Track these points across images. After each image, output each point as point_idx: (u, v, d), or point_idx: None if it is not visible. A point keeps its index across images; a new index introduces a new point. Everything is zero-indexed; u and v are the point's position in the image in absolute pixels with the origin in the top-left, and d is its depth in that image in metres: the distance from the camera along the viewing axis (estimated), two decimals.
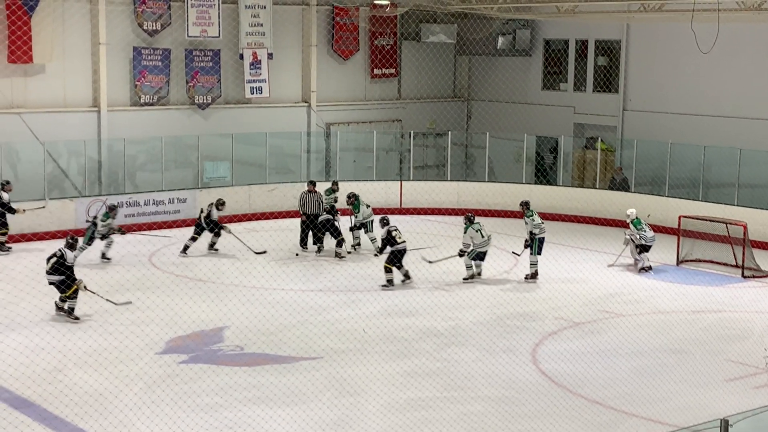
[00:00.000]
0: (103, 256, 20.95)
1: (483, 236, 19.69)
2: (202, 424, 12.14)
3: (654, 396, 13.52)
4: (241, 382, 13.71)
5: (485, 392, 13.61)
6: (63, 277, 16.38)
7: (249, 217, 25.66)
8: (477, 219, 20.14)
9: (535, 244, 19.90)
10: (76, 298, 16.43)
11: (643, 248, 20.81)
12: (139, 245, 22.41)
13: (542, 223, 20.12)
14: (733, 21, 23.52)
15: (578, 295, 18.75)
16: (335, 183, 23.33)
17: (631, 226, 20.87)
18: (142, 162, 25.97)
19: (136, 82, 26.02)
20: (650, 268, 20.75)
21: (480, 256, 19.77)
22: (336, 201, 22.66)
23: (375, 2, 28.82)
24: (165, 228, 24.15)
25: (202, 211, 22.10)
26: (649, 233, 20.89)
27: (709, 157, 24.77)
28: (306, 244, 22.27)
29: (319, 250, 21.95)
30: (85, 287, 16.46)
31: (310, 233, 22.14)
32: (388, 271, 19.13)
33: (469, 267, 19.77)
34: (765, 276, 20.60)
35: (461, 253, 19.67)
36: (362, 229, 22.48)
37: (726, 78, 25.97)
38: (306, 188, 22.72)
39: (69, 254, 16.55)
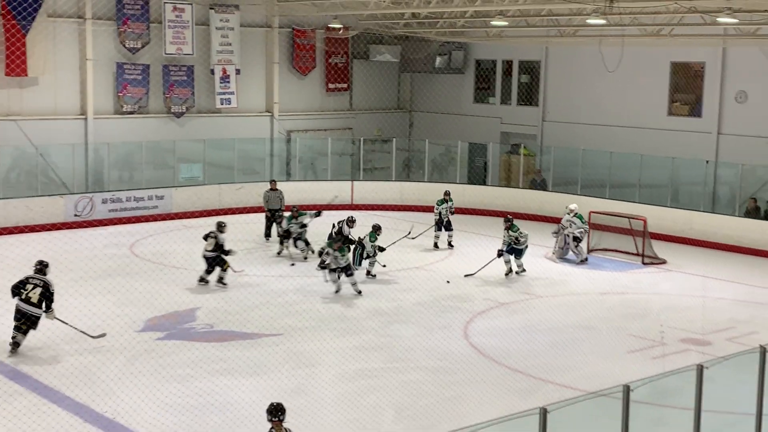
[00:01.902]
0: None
1: (521, 236, 19.06)
2: (176, 392, 12.05)
3: (567, 365, 13.63)
4: (211, 356, 13.62)
5: (423, 363, 13.64)
6: (41, 312, 13.46)
7: (219, 212, 25.41)
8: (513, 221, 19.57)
9: (524, 250, 19.18)
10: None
11: (578, 240, 20.84)
12: (119, 238, 22.15)
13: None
14: (635, 45, 23.81)
15: (504, 279, 18.88)
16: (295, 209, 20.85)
17: (576, 219, 20.89)
18: (124, 163, 25.67)
19: (119, 93, 25.72)
20: (587, 260, 20.83)
21: (516, 253, 19.09)
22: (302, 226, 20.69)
23: (330, 26, 28.74)
24: (145, 221, 23.91)
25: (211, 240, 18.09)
26: (585, 226, 20.98)
27: (615, 162, 25.00)
28: (269, 235, 22.20)
29: (279, 253, 21.09)
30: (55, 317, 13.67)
31: (274, 226, 22.08)
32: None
33: (507, 262, 19.12)
34: (662, 263, 20.85)
35: (500, 253, 19.04)
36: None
37: (629, 93, 26.25)
38: (269, 187, 22.71)
39: (51, 282, 13.77)
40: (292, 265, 19.78)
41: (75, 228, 22.92)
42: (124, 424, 11.01)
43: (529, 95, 29.23)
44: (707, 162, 24.10)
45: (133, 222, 23.72)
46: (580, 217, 20.83)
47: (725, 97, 24.58)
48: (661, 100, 25.87)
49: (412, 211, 26.67)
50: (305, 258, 20.24)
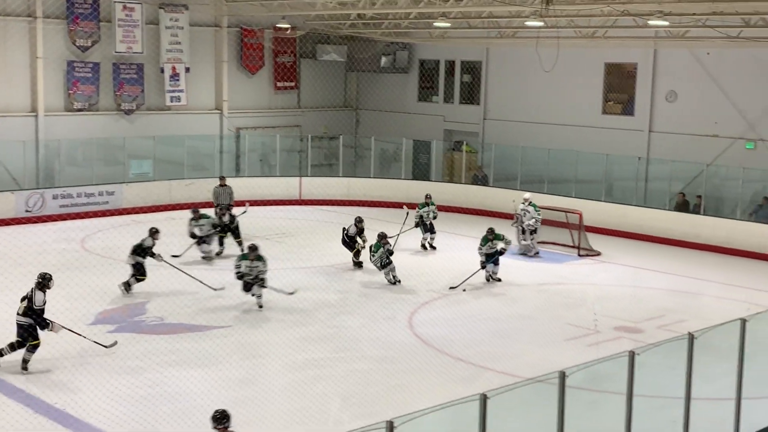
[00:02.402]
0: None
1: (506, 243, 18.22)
2: (127, 384, 11.91)
3: (507, 354, 13.75)
4: (161, 348, 13.47)
5: (369, 353, 13.66)
6: (30, 321, 12.30)
7: (169, 208, 25.19)
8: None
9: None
10: (34, 352, 12.38)
11: (534, 231, 20.90)
12: (70, 233, 21.79)
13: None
14: (571, 46, 24.07)
15: (447, 270, 18.94)
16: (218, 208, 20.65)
17: (530, 208, 20.95)
18: (75, 160, 25.25)
19: (70, 91, 25.29)
20: (538, 253, 20.92)
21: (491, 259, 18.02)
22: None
23: (277, 26, 28.56)
24: (96, 217, 23.56)
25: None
26: (539, 215, 21.00)
27: (552, 158, 25.27)
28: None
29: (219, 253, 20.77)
30: (61, 327, 12.64)
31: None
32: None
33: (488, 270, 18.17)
34: (596, 255, 21.12)
35: (483, 265, 18.02)
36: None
37: (565, 93, 26.53)
38: (218, 183, 22.48)
39: (38, 296, 12.36)
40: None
41: (26, 223, 22.47)
42: (75, 415, 10.84)
43: (470, 94, 29.39)
44: (639, 158, 24.48)
45: (84, 217, 23.35)
46: (534, 206, 21.00)
47: (656, 97, 24.98)
48: (596, 99, 26.20)
49: (359, 206, 26.64)
50: (208, 259, 19.24)
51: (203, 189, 25.44)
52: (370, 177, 27.87)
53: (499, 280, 18.18)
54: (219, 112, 28.64)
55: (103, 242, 21.07)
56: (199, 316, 15.16)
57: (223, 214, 19.94)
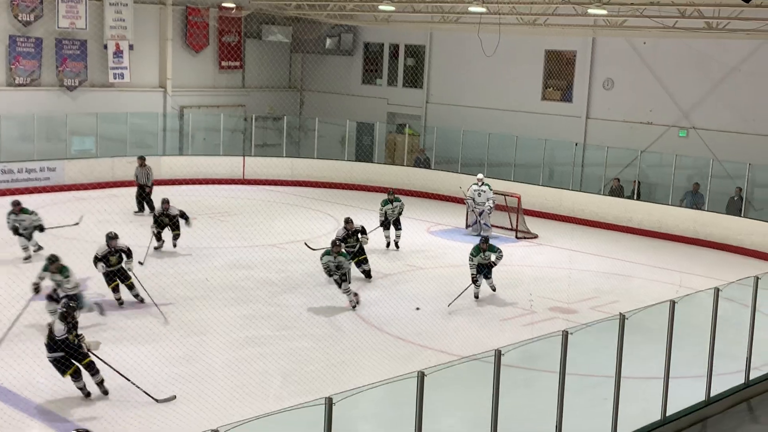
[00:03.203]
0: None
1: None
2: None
3: (445, 332, 13.87)
4: (102, 324, 13.29)
5: (310, 331, 13.67)
6: (60, 354, 10.65)
7: (111, 185, 24.82)
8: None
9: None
10: (79, 378, 10.76)
11: (490, 212, 21.05)
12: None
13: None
14: (513, 33, 24.25)
15: (388, 251, 19.01)
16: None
17: (485, 188, 21.06)
18: (16, 135, 24.67)
19: (11, 66, 24.70)
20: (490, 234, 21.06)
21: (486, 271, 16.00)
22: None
23: (223, 5, 28.23)
24: (37, 192, 23.07)
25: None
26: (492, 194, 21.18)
27: (492, 142, 25.46)
28: (142, 209, 21.89)
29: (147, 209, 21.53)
30: (97, 346, 10.97)
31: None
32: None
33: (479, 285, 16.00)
34: (533, 237, 21.38)
35: (474, 279, 15.80)
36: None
37: (507, 78, 26.73)
38: (137, 163, 22.21)
39: (57, 326, 10.70)
40: (141, 263, 16.49)
41: None
42: (16, 392, 10.67)
43: (414, 78, 29.43)
44: (576, 144, 24.81)
45: (25, 193, 22.85)
46: (488, 186, 21.17)
47: (594, 84, 25.32)
48: (536, 85, 26.45)
49: (302, 186, 26.60)
50: (27, 257, 17.19)
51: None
52: (313, 158, 27.77)
53: (494, 289, 16.09)
54: (163, 90, 28.25)
55: (45, 218, 20.63)
56: (141, 292, 14.98)
57: (166, 209, 17.90)
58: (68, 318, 10.68)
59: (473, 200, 21.27)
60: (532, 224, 21.81)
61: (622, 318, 9.21)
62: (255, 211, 22.89)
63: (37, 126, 24.67)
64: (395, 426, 10.05)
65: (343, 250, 14.96)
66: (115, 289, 14.48)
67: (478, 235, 21.01)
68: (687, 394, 10.39)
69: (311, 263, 17.73)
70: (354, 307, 14.74)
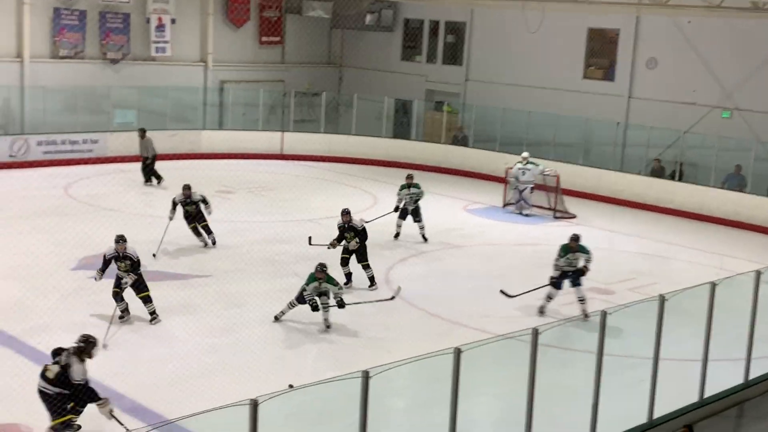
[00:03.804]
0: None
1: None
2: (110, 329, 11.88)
3: (481, 311, 13.83)
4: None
5: (346, 307, 13.67)
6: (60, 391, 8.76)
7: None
8: None
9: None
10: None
11: (532, 189, 20.98)
12: (53, 180, 21.63)
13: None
14: (556, 10, 23.97)
15: (395, 243, 18.67)
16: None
17: (530, 166, 20.98)
18: (60, 108, 24.95)
19: (56, 38, 24.95)
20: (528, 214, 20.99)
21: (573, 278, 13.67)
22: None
23: None
24: (79, 164, 23.33)
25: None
26: (541, 167, 21.15)
27: (532, 121, 25.23)
28: (149, 180, 22.03)
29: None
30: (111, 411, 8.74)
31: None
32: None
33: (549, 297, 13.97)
34: (572, 217, 21.22)
35: (553, 282, 13.73)
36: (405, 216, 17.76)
37: (548, 56, 26.43)
38: (138, 136, 22.34)
39: (77, 368, 8.77)
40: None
41: (9, 168, 22.29)
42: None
43: (454, 55, 29.23)
44: (618, 124, 24.53)
45: (68, 164, 23.14)
46: (534, 164, 21.08)
47: (637, 63, 24.97)
48: (578, 64, 26.15)
49: (339, 162, 26.60)
50: None
51: (186, 140, 25.49)
52: (351, 134, 27.74)
53: (586, 315, 12.96)
54: (203, 64, 28.35)
55: (87, 190, 20.94)
56: (181, 265, 15.14)
57: (188, 196, 16.26)
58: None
59: (517, 178, 21.16)
60: (570, 204, 21.64)
61: (662, 299, 9.12)
62: (292, 186, 23.00)
63: (80, 98, 24.93)
64: (429, 403, 10.06)
65: (329, 274, 12.50)
66: (118, 298, 12.34)
67: (519, 213, 21.00)
68: (725, 377, 10.29)
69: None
70: (328, 327, 12.48)
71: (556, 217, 21.08)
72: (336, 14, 30.62)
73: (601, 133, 24.78)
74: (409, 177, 18.23)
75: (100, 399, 8.72)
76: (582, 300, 13.43)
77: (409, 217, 17.95)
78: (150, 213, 18.57)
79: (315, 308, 12.46)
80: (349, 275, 14.67)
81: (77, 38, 25.30)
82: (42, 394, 8.76)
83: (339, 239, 14.71)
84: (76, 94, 24.83)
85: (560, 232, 19.79)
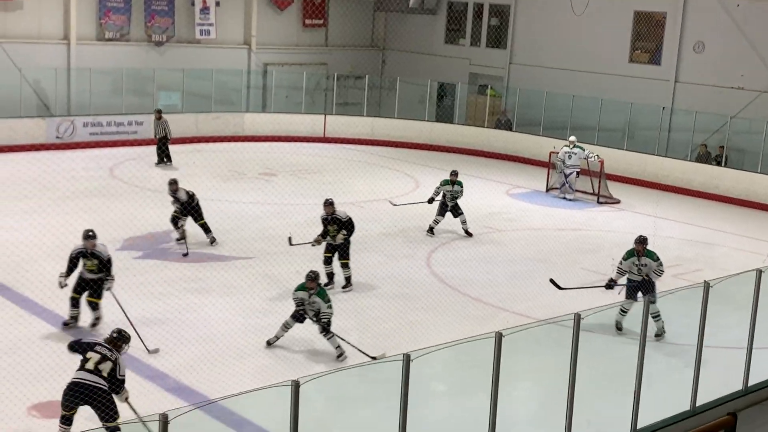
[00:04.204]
0: None
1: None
2: (152, 308, 12.05)
3: (523, 295, 13.77)
4: (186, 276, 13.59)
5: (387, 289, 13.72)
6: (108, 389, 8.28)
7: (195, 140, 25.21)
8: None
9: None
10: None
11: (578, 174, 20.87)
12: (99, 161, 21.90)
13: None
14: None
15: (467, 213, 18.86)
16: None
17: (577, 150, 20.84)
18: (106, 89, 25.22)
19: (102, 21, 25.20)
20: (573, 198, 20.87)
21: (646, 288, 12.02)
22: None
23: None
24: (124, 146, 23.58)
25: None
26: (586, 152, 20.98)
27: (576, 105, 24.98)
28: (162, 160, 22.04)
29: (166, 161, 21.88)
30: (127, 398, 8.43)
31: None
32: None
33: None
34: (616, 202, 21.00)
35: (610, 285, 12.39)
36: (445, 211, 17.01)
37: (593, 40, 26.11)
38: (154, 116, 22.39)
39: (122, 363, 8.52)
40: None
41: (56, 149, 22.61)
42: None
43: (497, 38, 28.99)
44: (663, 108, 24.18)
45: (113, 146, 23.40)
46: (581, 148, 20.91)
47: (684, 47, 24.56)
48: (623, 47, 25.78)
49: (382, 145, 26.58)
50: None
51: (229, 123, 25.64)
52: (394, 117, 27.70)
53: (660, 333, 11.71)
54: (247, 47, 28.46)
55: (131, 171, 21.18)
56: (223, 246, 15.25)
57: (175, 190, 15.08)
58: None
59: (563, 162, 20.99)
60: (614, 189, 21.41)
61: (707, 286, 8.98)
62: (335, 169, 23.03)
63: (125, 80, 25.18)
64: (468, 386, 10.04)
65: (323, 288, 11.25)
66: (74, 303, 11.34)
67: (563, 197, 20.84)
68: None
69: (389, 223, 17.78)
70: (339, 357, 10.94)
71: (599, 202, 20.88)
72: None
73: (646, 117, 24.45)
74: (454, 174, 17.03)
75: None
76: (656, 317, 11.62)
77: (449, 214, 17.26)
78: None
79: (300, 318, 11.06)
80: (331, 275, 13.54)
81: (123, 21, 25.52)
82: (93, 390, 8.08)
83: (324, 234, 13.56)
84: (122, 76, 25.08)
85: (604, 217, 19.70)
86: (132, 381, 10.00)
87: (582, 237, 17.87)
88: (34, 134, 22.69)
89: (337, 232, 13.45)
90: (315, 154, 25.05)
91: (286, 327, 11.14)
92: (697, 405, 9.04)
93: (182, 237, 14.94)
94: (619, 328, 11.99)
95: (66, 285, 11.26)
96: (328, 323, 10.96)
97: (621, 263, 12.16)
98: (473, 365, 9.14)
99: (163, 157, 22.06)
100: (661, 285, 14.02)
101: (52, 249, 13.80)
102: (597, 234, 18.21)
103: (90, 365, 8.19)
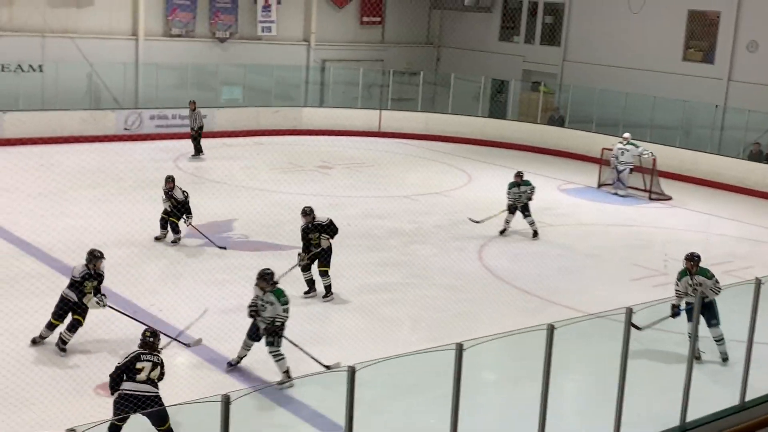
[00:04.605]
0: None
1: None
2: (213, 294, 12.18)
3: (573, 289, 13.64)
4: (246, 264, 13.69)
5: (439, 281, 13.69)
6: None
7: (256, 133, 25.44)
8: None
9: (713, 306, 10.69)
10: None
11: (631, 171, 20.63)
12: (164, 153, 22.21)
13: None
14: None
15: (500, 237, 18.36)
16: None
17: (630, 147, 20.63)
18: (172, 83, 25.56)
19: (168, 17, 25.54)
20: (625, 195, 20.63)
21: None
22: None
23: None
24: (189, 138, 23.88)
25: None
26: (641, 149, 20.73)
27: (629, 102, 24.62)
28: (198, 153, 22.07)
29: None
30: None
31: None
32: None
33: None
34: (667, 199, 20.68)
35: (675, 313, 10.82)
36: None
37: (646, 38, 25.69)
38: (189, 108, 22.31)
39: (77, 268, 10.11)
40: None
41: (124, 141, 23.01)
42: (165, 319, 11.18)
43: (551, 36, 28.70)
44: (716, 107, 23.72)
45: (177, 138, 23.71)
46: (635, 145, 20.67)
47: (737, 46, 24.03)
48: (677, 45, 25.33)
49: (436, 140, 26.52)
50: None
51: (288, 117, 25.84)
52: (448, 113, 27.59)
53: (723, 349, 10.70)
54: (306, 43, 28.59)
55: (195, 163, 21.46)
56: (281, 236, 15.35)
57: (171, 188, 14.61)
58: None
59: (616, 158, 20.75)
60: (666, 186, 21.08)
61: (758, 283, 8.81)
62: (389, 163, 23.05)
63: (190, 75, 25.50)
64: (519, 377, 10.00)
65: (279, 287, 9.89)
66: (57, 321, 10.19)
67: (615, 194, 20.62)
68: None
69: (441, 216, 17.77)
70: (280, 383, 9.43)
71: (651, 199, 20.59)
72: None
73: (699, 115, 24.01)
74: (518, 175, 16.46)
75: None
76: (720, 341, 10.60)
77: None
78: (253, 186, 18.90)
79: (254, 335, 9.85)
80: (311, 282, 12.57)
81: (188, 18, 25.84)
82: (148, 400, 7.83)
83: (306, 248, 12.45)
84: (187, 71, 25.40)
85: (655, 214, 19.42)
86: (194, 364, 10.18)
87: (633, 233, 17.63)
88: (104, 126, 23.11)
89: (319, 238, 12.47)
90: (370, 148, 25.10)
91: (246, 346, 9.89)
92: (746, 400, 8.88)
93: (177, 239, 14.36)
94: (697, 357, 10.29)
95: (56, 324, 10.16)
96: (282, 327, 9.62)
97: (677, 284, 11.00)
98: (523, 356, 9.09)
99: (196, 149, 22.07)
100: None
101: (120, 236, 14.08)
102: (648, 230, 17.95)
103: (143, 376, 7.89)
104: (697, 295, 10.15)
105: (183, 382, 9.35)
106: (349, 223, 16.32)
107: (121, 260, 13.28)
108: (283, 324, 9.66)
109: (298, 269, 12.50)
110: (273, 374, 9.58)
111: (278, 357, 9.62)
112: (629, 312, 7.68)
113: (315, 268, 12.59)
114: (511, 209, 16.49)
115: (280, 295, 9.70)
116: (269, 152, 22.43)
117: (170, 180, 14.54)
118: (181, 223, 14.47)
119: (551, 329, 7.10)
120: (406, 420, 9.04)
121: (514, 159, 23.68)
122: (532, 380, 7.43)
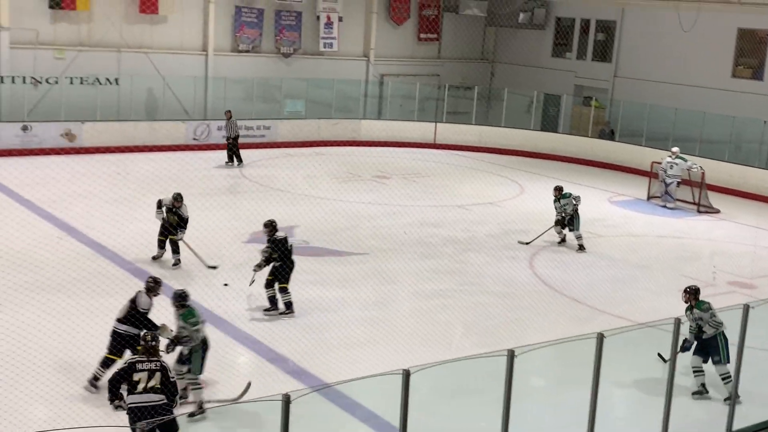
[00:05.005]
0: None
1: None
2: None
3: (623, 299, 13.43)
4: (305, 268, 13.76)
5: (491, 288, 13.61)
6: (135, 332, 8.97)
7: (317, 144, 25.64)
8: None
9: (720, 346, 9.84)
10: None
11: (679, 184, 20.31)
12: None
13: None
14: (707, 11, 22.85)
15: (558, 247, 18.15)
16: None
17: (678, 161, 20.34)
18: (239, 96, 25.87)
19: (236, 34, 25.89)
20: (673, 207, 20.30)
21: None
22: None
23: None
24: (253, 148, 24.10)
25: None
26: (689, 163, 20.39)
27: (679, 118, 24.21)
28: (231, 160, 21.99)
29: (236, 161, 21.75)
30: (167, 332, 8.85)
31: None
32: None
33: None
34: (716, 212, 20.26)
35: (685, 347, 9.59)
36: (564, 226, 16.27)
37: (696, 55, 25.24)
38: (226, 116, 22.26)
39: (142, 299, 9.29)
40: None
41: (193, 150, 23.36)
42: (228, 320, 11.31)
43: (603, 52, 28.38)
44: (765, 122, 23.17)
45: (243, 148, 23.98)
46: (683, 159, 20.36)
47: None
48: (726, 62, 24.83)
49: (489, 152, 26.39)
50: None
51: (348, 129, 25.98)
52: (501, 126, 27.44)
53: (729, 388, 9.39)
54: (366, 59, 28.73)
55: (260, 171, 21.67)
56: (340, 242, 15.43)
57: (178, 207, 13.92)
58: None
59: (665, 172, 20.43)
60: (714, 200, 20.65)
61: (746, 308, 8.55)
62: (444, 174, 23.01)
63: (255, 88, 25.81)
64: (568, 384, 9.87)
65: (192, 307, 9.07)
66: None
67: (664, 206, 20.28)
68: None
69: (494, 225, 17.66)
70: (191, 415, 8.57)
71: (699, 212, 20.18)
72: (491, 12, 30.30)
73: (748, 130, 23.48)
74: (557, 190, 16.23)
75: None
76: (726, 378, 9.50)
77: None
78: (314, 194, 19.03)
79: (180, 358, 8.97)
80: (273, 299, 11.79)
81: (255, 34, 26.17)
82: (154, 410, 7.36)
83: (268, 259, 11.84)
84: (253, 84, 25.71)
85: (703, 226, 19.04)
86: (255, 363, 10.27)
87: (682, 245, 17.31)
88: (174, 135, 23.50)
89: (279, 251, 11.74)
90: (426, 159, 25.09)
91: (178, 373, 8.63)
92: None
93: (177, 261, 13.68)
94: (702, 392, 9.64)
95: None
96: (187, 340, 8.82)
97: (687, 316, 9.97)
98: (573, 364, 8.98)
99: (233, 157, 22.02)
100: (759, 293, 13.49)
101: (189, 240, 14.26)
102: (697, 242, 17.60)
103: (140, 387, 7.32)
104: (693, 330, 9.68)
105: (244, 381, 9.42)
106: (405, 231, 16.39)
107: (189, 263, 13.46)
108: (188, 337, 8.83)
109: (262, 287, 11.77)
110: (332, 375, 9.60)
111: (195, 386, 8.81)
112: (677, 322, 7.55)
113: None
114: (559, 223, 16.27)
115: (187, 317, 8.89)
116: (329, 162, 22.56)
117: (179, 198, 13.90)
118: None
119: (601, 338, 7.00)
120: (458, 422, 8.99)
121: (565, 171, 23.43)
122: (580, 387, 7.33)
